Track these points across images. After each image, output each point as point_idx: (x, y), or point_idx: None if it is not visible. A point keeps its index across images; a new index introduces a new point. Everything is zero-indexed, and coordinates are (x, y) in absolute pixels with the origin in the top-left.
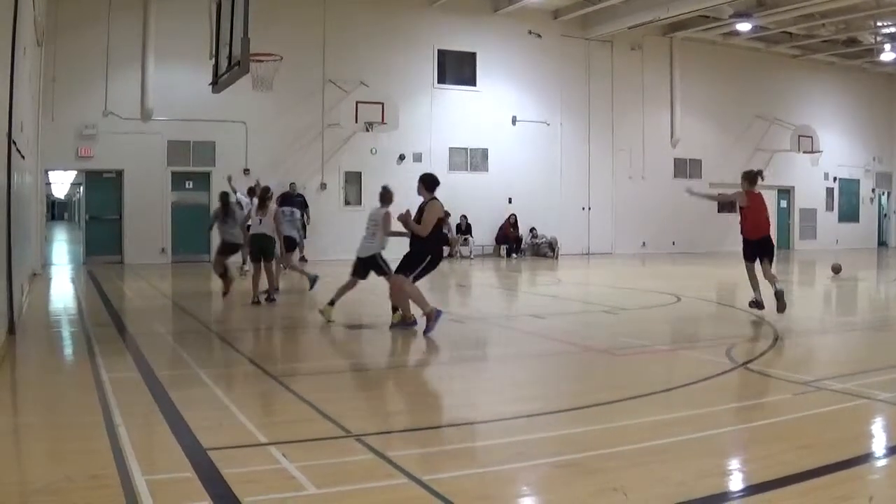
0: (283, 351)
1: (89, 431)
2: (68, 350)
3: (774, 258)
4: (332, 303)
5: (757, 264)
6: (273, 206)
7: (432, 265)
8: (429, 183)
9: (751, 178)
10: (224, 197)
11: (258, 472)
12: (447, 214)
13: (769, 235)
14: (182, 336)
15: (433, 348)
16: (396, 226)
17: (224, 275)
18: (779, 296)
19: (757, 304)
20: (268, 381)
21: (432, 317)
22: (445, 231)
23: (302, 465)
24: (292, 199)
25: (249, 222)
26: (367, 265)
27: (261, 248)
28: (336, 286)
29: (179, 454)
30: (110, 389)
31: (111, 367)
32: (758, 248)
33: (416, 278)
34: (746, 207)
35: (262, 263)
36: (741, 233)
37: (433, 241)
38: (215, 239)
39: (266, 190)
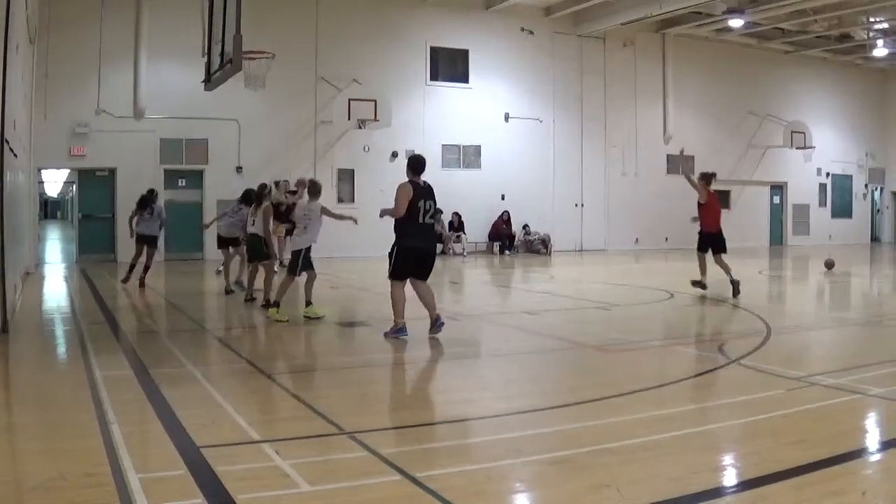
0: (276, 348)
1: (83, 429)
2: (62, 348)
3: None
4: (276, 304)
5: (708, 254)
6: (266, 204)
7: (410, 261)
8: (410, 163)
9: (707, 178)
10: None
11: (251, 469)
12: (438, 211)
13: (721, 230)
14: (175, 334)
15: (426, 345)
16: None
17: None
18: (735, 284)
19: (701, 284)
20: (261, 379)
21: (395, 329)
22: (438, 229)
23: (295, 462)
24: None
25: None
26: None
27: (251, 248)
28: (328, 286)
29: (173, 452)
30: (104, 387)
31: (104, 365)
32: (712, 240)
33: (396, 275)
34: (706, 204)
35: (259, 264)
36: (701, 226)
37: (405, 233)
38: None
39: (263, 187)
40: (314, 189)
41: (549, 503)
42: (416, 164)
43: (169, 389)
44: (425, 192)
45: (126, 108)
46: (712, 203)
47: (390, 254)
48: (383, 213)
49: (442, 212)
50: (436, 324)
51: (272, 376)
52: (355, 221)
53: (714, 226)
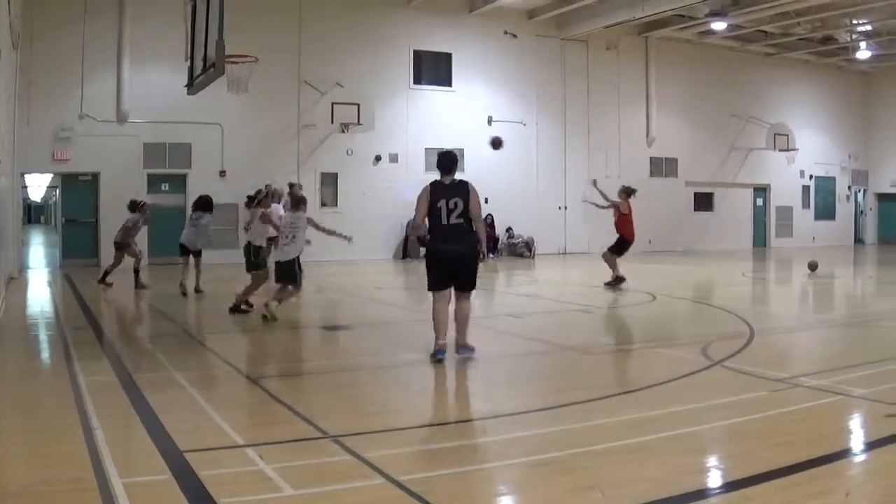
0: (259, 353)
1: (66, 435)
2: (45, 354)
3: None
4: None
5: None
6: (259, 210)
7: (432, 266)
8: (437, 162)
9: (629, 192)
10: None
11: (235, 473)
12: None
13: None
14: (159, 339)
15: (410, 349)
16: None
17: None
18: (618, 280)
19: (620, 279)
20: (244, 384)
21: (435, 350)
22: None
23: (279, 466)
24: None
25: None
26: (284, 269)
27: (245, 257)
28: (314, 289)
29: (157, 457)
30: (87, 393)
31: (88, 370)
32: (628, 246)
33: (429, 286)
34: (628, 213)
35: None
36: (624, 234)
37: (431, 236)
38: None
39: (258, 193)
40: (301, 202)
41: None
42: (439, 161)
43: (153, 394)
44: (449, 190)
45: (109, 113)
46: (630, 214)
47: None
48: (411, 233)
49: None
50: (459, 350)
51: (256, 381)
52: (349, 240)
53: (633, 234)
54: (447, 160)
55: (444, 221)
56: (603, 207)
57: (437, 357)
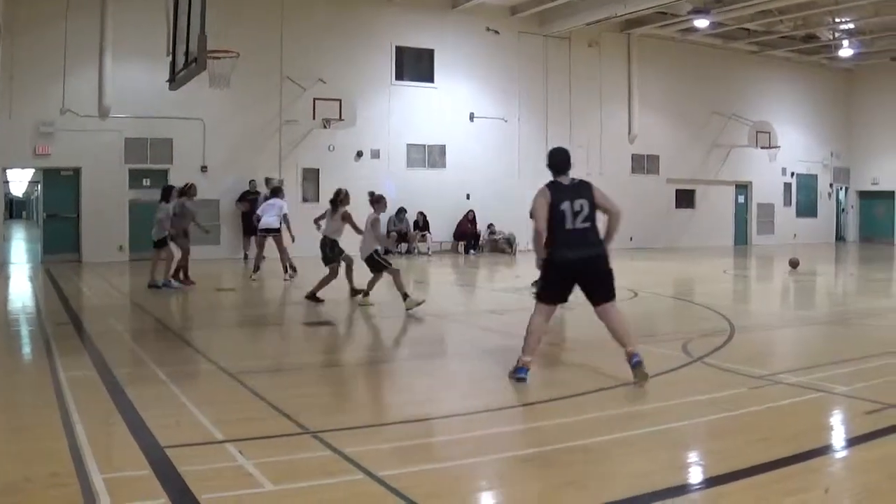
0: (240, 348)
1: (47, 430)
2: (26, 349)
3: None
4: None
5: None
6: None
7: (556, 276)
8: (548, 161)
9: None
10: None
11: (215, 469)
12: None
13: None
14: (140, 334)
15: (391, 345)
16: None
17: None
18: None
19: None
20: (225, 379)
21: (517, 367)
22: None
23: (259, 461)
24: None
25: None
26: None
27: (321, 251)
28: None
29: (137, 452)
30: (68, 388)
31: (69, 365)
32: None
33: (541, 296)
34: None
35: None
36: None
37: (552, 242)
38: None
39: (338, 193)
40: (381, 201)
41: (515, 502)
42: (551, 160)
43: (133, 390)
44: (570, 191)
45: (91, 108)
46: None
47: (541, 270)
48: (539, 260)
49: (406, 211)
50: (630, 360)
51: (236, 376)
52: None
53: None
54: (560, 158)
55: (570, 226)
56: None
57: (519, 375)
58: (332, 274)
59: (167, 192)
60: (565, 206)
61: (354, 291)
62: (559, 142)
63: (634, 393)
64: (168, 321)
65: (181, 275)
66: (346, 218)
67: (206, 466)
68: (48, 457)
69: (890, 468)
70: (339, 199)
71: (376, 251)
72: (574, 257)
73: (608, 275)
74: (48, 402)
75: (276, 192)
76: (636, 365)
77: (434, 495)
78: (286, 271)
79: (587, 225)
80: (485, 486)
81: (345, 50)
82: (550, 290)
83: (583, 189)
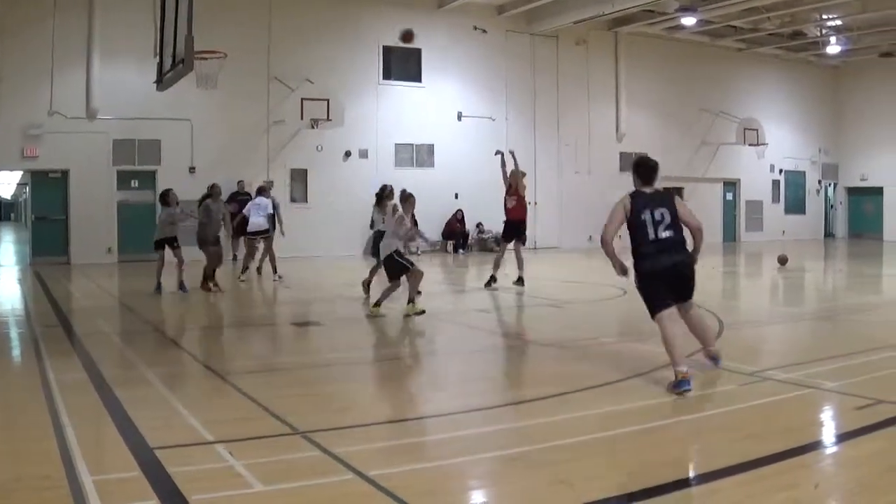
0: (229, 349)
1: (37, 432)
2: (15, 351)
3: None
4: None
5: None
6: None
7: (658, 286)
8: (634, 169)
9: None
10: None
11: (205, 470)
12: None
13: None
14: (129, 336)
15: (380, 345)
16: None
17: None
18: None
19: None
20: (214, 380)
21: (675, 382)
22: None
23: (248, 462)
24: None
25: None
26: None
27: (374, 245)
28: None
29: (126, 454)
30: (57, 390)
31: (58, 368)
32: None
33: (655, 309)
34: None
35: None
36: (524, 219)
37: (638, 256)
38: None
39: (384, 188)
40: (409, 199)
41: (503, 500)
42: (637, 168)
43: (123, 391)
44: (652, 199)
45: (79, 109)
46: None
47: (638, 289)
48: (617, 268)
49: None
50: (712, 359)
51: (225, 377)
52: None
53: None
54: (646, 167)
55: (653, 236)
56: (510, 175)
57: (684, 389)
58: (416, 276)
59: (164, 197)
60: (646, 215)
61: (366, 286)
62: (548, 141)
63: (623, 391)
64: (157, 322)
65: (209, 283)
66: (394, 212)
67: (195, 467)
68: (38, 459)
69: (880, 463)
70: (385, 194)
71: (397, 251)
72: (660, 267)
73: (692, 279)
74: (38, 404)
75: (262, 191)
76: (716, 365)
77: (424, 494)
78: (262, 272)
79: (670, 234)
80: (474, 484)
81: (332, 50)
82: (655, 298)
83: (665, 198)
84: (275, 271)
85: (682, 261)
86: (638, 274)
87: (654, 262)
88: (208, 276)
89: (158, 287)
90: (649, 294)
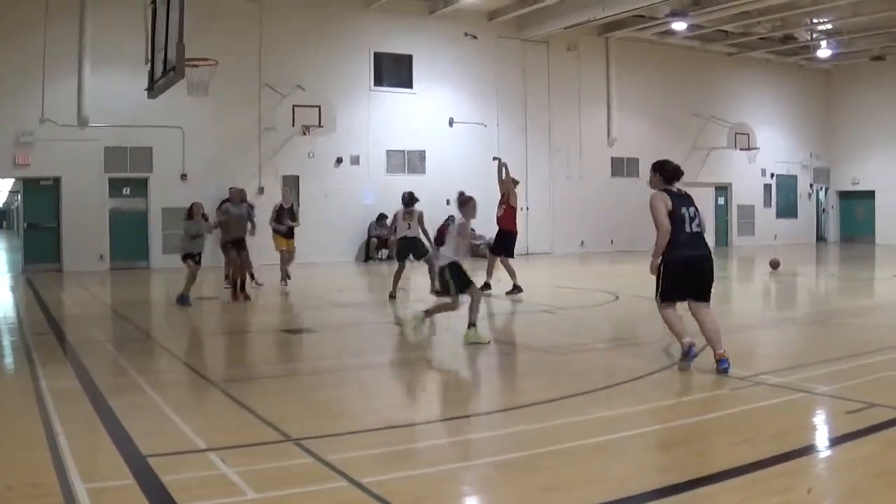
0: (221, 357)
1: (29, 440)
2: (7, 359)
3: None
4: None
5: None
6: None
7: (679, 274)
8: (659, 170)
9: (515, 183)
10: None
11: (197, 478)
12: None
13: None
14: (121, 343)
15: (372, 352)
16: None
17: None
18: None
19: (519, 287)
20: (207, 387)
21: (683, 355)
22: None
23: (241, 470)
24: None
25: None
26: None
27: (403, 250)
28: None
29: (119, 462)
30: (50, 398)
31: (51, 375)
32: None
33: (665, 295)
34: (515, 206)
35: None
36: (512, 230)
37: (672, 244)
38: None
39: (410, 195)
40: (470, 203)
41: None
42: (662, 169)
43: (115, 399)
44: (680, 197)
45: (70, 117)
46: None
47: (659, 275)
48: (653, 264)
49: (387, 217)
50: (722, 363)
51: (218, 385)
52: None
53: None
54: (672, 168)
55: (689, 229)
56: (501, 183)
57: (693, 355)
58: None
59: (188, 211)
60: (684, 211)
61: (393, 294)
62: (539, 146)
63: (615, 396)
64: (150, 330)
65: (239, 288)
66: (419, 218)
67: (188, 475)
68: (31, 467)
69: (872, 467)
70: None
71: (455, 264)
72: (695, 255)
73: (712, 272)
74: (30, 412)
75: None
76: (723, 371)
77: (417, 501)
78: (252, 279)
79: (699, 229)
80: (466, 490)
81: (323, 56)
82: (673, 287)
83: (690, 198)
84: (252, 277)
85: (706, 254)
86: (667, 263)
87: (687, 252)
88: (234, 285)
89: (186, 299)
90: (668, 283)
